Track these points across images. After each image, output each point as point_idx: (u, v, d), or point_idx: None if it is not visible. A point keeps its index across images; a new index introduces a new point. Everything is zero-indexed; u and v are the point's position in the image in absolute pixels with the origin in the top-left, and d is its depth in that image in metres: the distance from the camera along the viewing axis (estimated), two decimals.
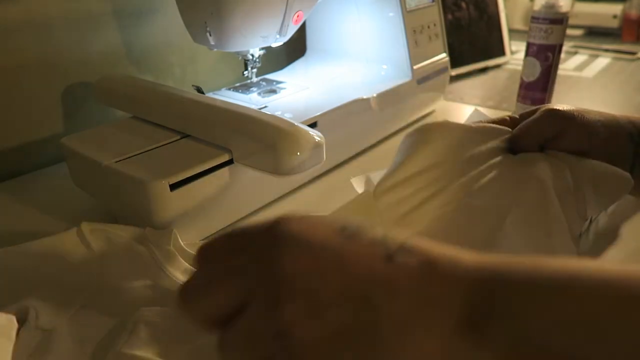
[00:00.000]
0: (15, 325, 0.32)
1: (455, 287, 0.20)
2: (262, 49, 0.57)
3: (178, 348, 0.32)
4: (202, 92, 0.57)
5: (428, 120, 0.76)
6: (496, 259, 0.21)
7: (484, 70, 1.01)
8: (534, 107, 0.43)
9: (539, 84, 0.73)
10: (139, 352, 0.30)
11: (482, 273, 0.20)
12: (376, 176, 0.52)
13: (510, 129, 0.43)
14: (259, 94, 0.60)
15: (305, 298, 0.20)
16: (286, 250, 0.21)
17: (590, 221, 0.44)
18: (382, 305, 0.20)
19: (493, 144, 0.41)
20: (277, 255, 0.21)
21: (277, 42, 0.55)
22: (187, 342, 0.32)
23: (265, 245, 0.22)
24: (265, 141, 0.41)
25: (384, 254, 0.21)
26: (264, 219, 0.23)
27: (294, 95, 0.60)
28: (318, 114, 0.53)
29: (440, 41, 0.75)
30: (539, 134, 0.40)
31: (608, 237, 0.42)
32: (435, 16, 0.73)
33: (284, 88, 0.62)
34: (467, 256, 0.21)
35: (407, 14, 0.67)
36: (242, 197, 0.48)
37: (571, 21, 0.85)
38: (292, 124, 0.42)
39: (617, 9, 1.25)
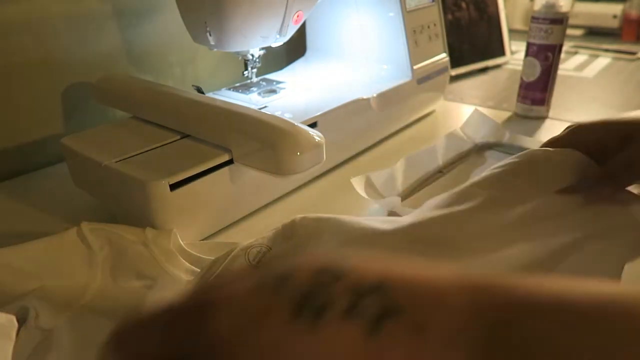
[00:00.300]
0: (15, 325, 0.32)
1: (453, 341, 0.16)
2: (262, 49, 0.57)
3: None
4: (202, 92, 0.57)
5: (428, 120, 0.76)
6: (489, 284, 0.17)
7: (484, 70, 1.01)
8: (594, 121, 0.38)
9: (539, 84, 0.73)
10: None
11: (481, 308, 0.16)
12: (376, 176, 0.52)
13: (589, 160, 0.37)
14: (259, 94, 0.60)
15: None
16: None
17: None
18: None
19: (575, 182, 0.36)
20: None
21: (277, 42, 0.55)
22: None
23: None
24: (265, 141, 0.41)
25: (360, 331, 0.15)
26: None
27: (294, 95, 0.60)
28: (318, 114, 0.53)
29: (440, 41, 0.75)
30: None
31: None
32: (435, 16, 0.73)
33: (284, 88, 0.62)
34: (455, 289, 0.17)
35: (407, 14, 0.67)
36: (242, 197, 0.48)
37: (571, 21, 0.85)
38: (292, 124, 0.42)
39: (617, 9, 1.25)
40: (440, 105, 0.80)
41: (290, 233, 0.38)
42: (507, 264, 0.32)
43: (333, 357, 0.15)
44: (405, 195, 0.51)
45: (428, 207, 0.39)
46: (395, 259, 0.18)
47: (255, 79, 0.61)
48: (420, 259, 0.25)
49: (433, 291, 0.17)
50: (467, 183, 0.38)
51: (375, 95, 0.61)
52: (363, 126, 0.62)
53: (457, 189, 0.38)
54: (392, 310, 0.16)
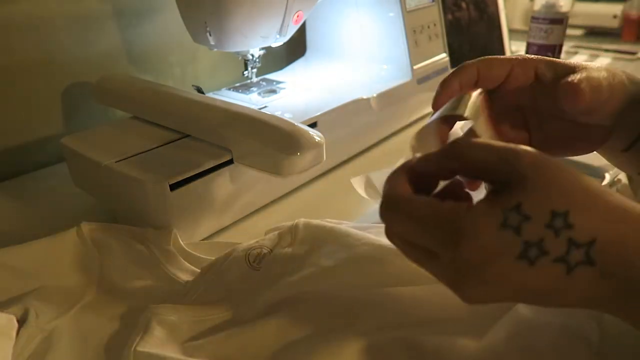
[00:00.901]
0: (15, 325, 0.32)
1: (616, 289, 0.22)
2: (262, 49, 0.57)
3: (196, 344, 0.32)
4: (202, 92, 0.57)
5: (428, 120, 0.76)
6: None
7: None
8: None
9: None
10: (155, 351, 0.30)
11: None
12: (376, 176, 0.52)
13: None
14: (259, 94, 0.60)
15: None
16: (470, 284, 0.23)
17: None
18: (549, 302, 0.24)
19: None
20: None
21: (277, 42, 0.55)
22: (205, 338, 0.32)
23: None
24: (265, 141, 0.41)
25: (562, 271, 0.22)
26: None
27: (294, 95, 0.60)
28: (318, 114, 0.53)
29: (440, 41, 0.75)
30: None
31: None
32: (435, 16, 0.73)
33: (284, 88, 0.62)
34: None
35: (407, 14, 0.67)
36: (242, 197, 0.48)
37: (571, 21, 0.85)
38: (292, 124, 0.42)
39: (617, 9, 1.25)
40: None
41: (292, 237, 0.38)
42: None
43: (540, 287, 0.22)
44: None
45: None
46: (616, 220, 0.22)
47: (255, 79, 0.61)
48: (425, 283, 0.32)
49: (624, 252, 0.22)
50: None
51: (375, 95, 0.61)
52: (363, 126, 0.62)
53: None
54: (589, 262, 0.22)
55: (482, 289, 0.23)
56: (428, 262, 0.25)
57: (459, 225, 0.22)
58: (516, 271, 0.22)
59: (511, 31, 1.11)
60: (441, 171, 0.26)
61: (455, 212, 0.23)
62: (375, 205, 0.50)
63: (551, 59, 0.35)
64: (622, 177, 0.47)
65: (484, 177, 0.24)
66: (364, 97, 0.60)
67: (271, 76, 0.68)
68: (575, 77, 0.31)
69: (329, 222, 0.39)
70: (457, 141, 0.25)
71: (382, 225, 0.41)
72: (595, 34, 1.30)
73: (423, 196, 0.25)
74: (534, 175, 0.22)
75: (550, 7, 0.69)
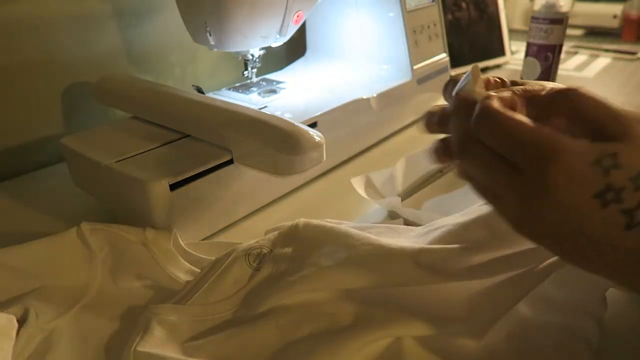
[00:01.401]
0: (15, 325, 0.32)
1: None
2: (262, 49, 0.57)
3: (196, 344, 0.32)
4: (202, 92, 0.57)
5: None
6: None
7: (484, 70, 1.01)
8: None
9: None
10: (155, 351, 0.30)
11: None
12: (376, 176, 0.52)
13: None
14: (259, 94, 0.60)
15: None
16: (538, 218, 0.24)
17: None
18: (596, 255, 0.24)
19: None
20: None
21: (277, 42, 0.55)
22: (205, 338, 0.32)
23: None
24: (265, 141, 0.41)
25: (624, 224, 0.23)
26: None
27: (294, 95, 0.60)
28: (318, 114, 0.53)
29: (440, 41, 0.75)
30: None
31: None
32: (435, 16, 0.73)
33: (284, 88, 0.62)
34: None
35: (407, 14, 0.67)
36: (242, 197, 0.48)
37: (571, 21, 0.85)
38: (292, 124, 0.42)
39: (617, 9, 1.25)
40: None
41: (292, 237, 0.38)
42: (504, 290, 0.32)
43: (598, 233, 0.24)
44: (405, 195, 0.51)
45: (429, 210, 0.37)
46: None
47: (255, 79, 0.61)
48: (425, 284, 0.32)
49: None
50: (471, 218, 0.37)
51: (375, 95, 0.61)
52: (363, 126, 0.62)
53: (460, 221, 0.36)
54: None
55: (548, 213, 0.24)
56: (508, 177, 0.25)
57: (558, 147, 0.23)
58: (587, 207, 0.23)
59: (511, 31, 1.11)
60: (547, 110, 0.27)
61: (556, 136, 0.24)
62: (375, 205, 0.50)
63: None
64: None
65: (589, 125, 0.25)
66: (364, 97, 0.60)
67: (271, 76, 0.68)
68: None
69: (329, 222, 0.39)
70: (577, 88, 0.26)
71: (382, 225, 0.42)
72: (595, 34, 1.31)
73: (524, 116, 0.25)
74: (637, 136, 0.24)
75: (550, 7, 0.69)
